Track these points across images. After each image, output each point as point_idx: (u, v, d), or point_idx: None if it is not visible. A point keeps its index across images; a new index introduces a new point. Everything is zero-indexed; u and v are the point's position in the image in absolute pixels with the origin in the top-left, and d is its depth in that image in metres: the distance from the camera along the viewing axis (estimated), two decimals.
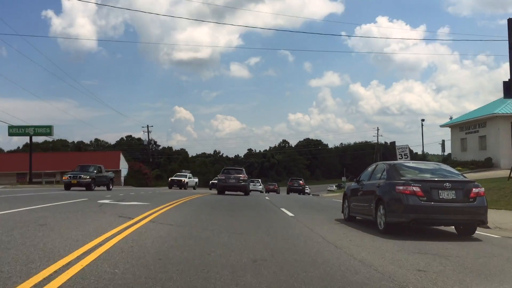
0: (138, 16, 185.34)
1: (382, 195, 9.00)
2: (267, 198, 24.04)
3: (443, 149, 65.65)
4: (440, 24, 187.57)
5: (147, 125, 76.10)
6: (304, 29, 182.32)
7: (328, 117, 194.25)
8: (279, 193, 47.02)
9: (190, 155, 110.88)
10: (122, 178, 62.13)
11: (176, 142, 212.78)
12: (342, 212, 12.01)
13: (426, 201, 8.33)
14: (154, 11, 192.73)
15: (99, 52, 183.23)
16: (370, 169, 10.93)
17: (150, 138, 77.99)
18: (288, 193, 43.98)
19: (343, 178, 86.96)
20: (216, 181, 33.73)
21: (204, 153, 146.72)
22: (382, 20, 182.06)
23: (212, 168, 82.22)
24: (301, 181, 47.74)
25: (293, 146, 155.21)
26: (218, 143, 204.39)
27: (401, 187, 8.52)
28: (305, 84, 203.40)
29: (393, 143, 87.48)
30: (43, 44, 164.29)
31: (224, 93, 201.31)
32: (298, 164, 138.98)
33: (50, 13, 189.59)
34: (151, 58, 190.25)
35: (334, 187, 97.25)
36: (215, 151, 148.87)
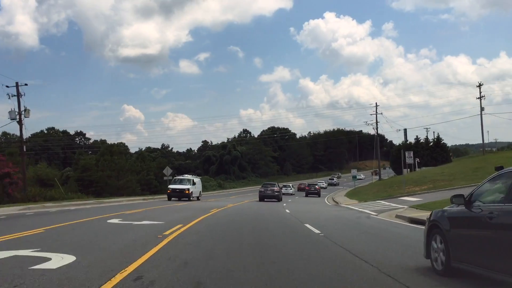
0: (82, 12, 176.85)
1: None
2: (287, 211, 22.17)
3: (406, 139, 74.03)
4: (385, 19, 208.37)
5: (16, 83, 34.93)
6: (254, 24, 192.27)
7: (280, 112, 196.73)
8: (281, 199, 38.23)
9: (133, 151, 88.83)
10: None
11: (126, 141, 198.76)
12: (428, 257, 6.63)
13: None
14: (99, 6, 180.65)
15: (42, 50, 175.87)
16: (501, 182, 5.72)
17: (22, 108, 34.48)
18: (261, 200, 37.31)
19: (354, 171, 63.64)
20: (172, 187, 35.17)
21: (149, 147, 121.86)
22: (329, 15, 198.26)
23: (153, 164, 58.25)
24: (275, 187, 39.63)
25: (255, 136, 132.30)
26: (169, 141, 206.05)
27: None
28: (256, 79, 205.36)
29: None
30: None
31: (174, 91, 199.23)
32: (264, 157, 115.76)
33: None
34: (97, 56, 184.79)
35: (324, 183, 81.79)
36: (163, 145, 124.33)
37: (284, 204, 30.61)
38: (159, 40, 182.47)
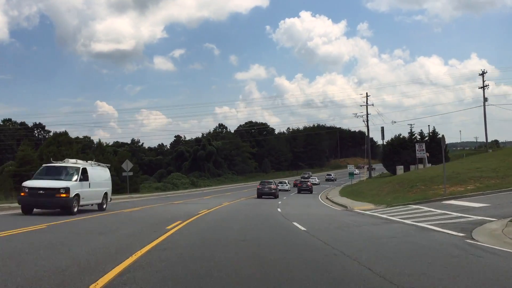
0: (54, 5, 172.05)
1: None
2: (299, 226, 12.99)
3: (383, 136, 71.52)
4: (360, 20, 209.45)
5: None
6: (230, 22, 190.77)
7: (255, 110, 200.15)
8: (278, 196, 38.63)
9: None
10: None
11: (97, 138, 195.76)
12: None
13: None
14: (72, 0, 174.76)
15: (11, 44, 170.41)
16: None
17: None
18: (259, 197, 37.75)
19: (351, 167, 55.27)
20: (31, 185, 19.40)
21: (117, 142, 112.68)
22: (305, 14, 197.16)
23: (114, 158, 49.32)
24: (272, 185, 40.18)
25: (232, 131, 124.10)
26: (143, 138, 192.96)
27: None
28: (231, 77, 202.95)
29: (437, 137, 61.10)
30: None
31: (148, 87, 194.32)
32: (242, 153, 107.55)
33: None
34: (69, 50, 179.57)
35: (317, 179, 77.28)
36: (133, 139, 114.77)
37: (279, 210, 22.50)
38: (133, 36, 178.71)
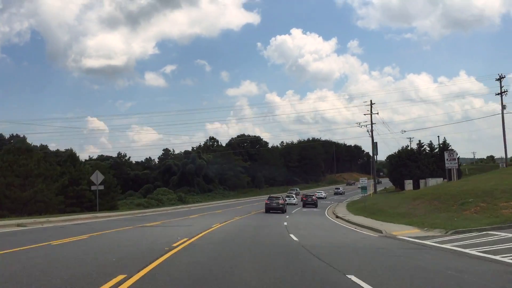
0: (45, 21, 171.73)
1: None
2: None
3: (376, 152, 62.96)
4: (351, 37, 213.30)
5: None
6: (221, 38, 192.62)
7: (246, 126, 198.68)
8: (285, 210, 39.11)
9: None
10: None
11: (88, 154, 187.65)
12: None
13: None
14: (63, 16, 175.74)
15: (2, 60, 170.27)
16: None
17: None
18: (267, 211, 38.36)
19: (363, 180, 46.86)
20: None
21: (101, 155, 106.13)
22: (296, 32, 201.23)
23: (87, 169, 42.31)
24: (280, 200, 40.65)
25: (223, 145, 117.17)
26: (134, 153, 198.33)
27: None
28: (223, 93, 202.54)
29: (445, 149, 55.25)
30: None
31: (139, 103, 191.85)
32: (234, 168, 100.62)
33: None
34: (60, 66, 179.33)
35: (323, 193, 73.37)
36: (119, 153, 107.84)
37: (294, 237, 15.87)
38: (124, 52, 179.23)
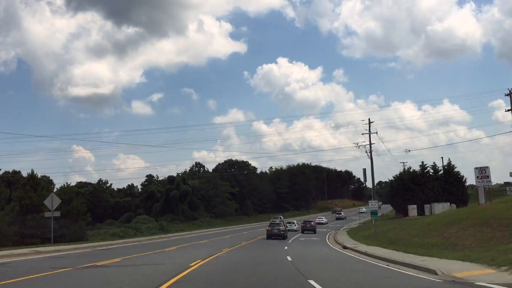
0: (32, 50, 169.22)
1: None
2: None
3: (365, 178, 60.79)
4: (336, 66, 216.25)
5: None
6: (208, 67, 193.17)
7: (233, 154, 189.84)
8: (286, 237, 40.46)
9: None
10: None
11: (74, 183, 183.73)
12: None
13: None
14: (50, 45, 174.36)
15: None
16: None
17: None
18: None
19: (373, 203, 40.14)
20: None
21: (80, 182, 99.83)
22: (282, 61, 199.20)
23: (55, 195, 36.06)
24: (281, 226, 41.97)
25: (210, 170, 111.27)
26: (119, 182, 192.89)
27: None
28: (210, 121, 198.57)
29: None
30: None
31: (126, 132, 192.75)
32: (221, 194, 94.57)
33: None
34: (46, 95, 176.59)
35: (324, 219, 74.09)
36: (100, 180, 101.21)
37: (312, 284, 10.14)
38: (111, 80, 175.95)
